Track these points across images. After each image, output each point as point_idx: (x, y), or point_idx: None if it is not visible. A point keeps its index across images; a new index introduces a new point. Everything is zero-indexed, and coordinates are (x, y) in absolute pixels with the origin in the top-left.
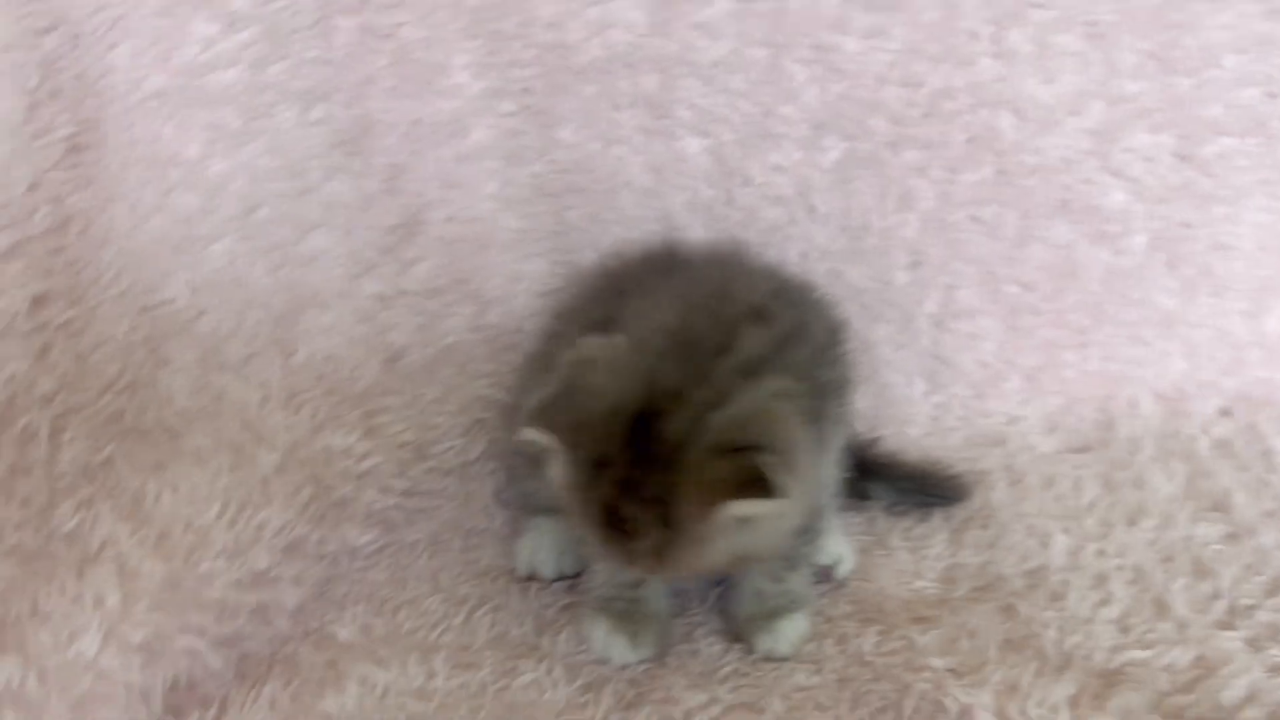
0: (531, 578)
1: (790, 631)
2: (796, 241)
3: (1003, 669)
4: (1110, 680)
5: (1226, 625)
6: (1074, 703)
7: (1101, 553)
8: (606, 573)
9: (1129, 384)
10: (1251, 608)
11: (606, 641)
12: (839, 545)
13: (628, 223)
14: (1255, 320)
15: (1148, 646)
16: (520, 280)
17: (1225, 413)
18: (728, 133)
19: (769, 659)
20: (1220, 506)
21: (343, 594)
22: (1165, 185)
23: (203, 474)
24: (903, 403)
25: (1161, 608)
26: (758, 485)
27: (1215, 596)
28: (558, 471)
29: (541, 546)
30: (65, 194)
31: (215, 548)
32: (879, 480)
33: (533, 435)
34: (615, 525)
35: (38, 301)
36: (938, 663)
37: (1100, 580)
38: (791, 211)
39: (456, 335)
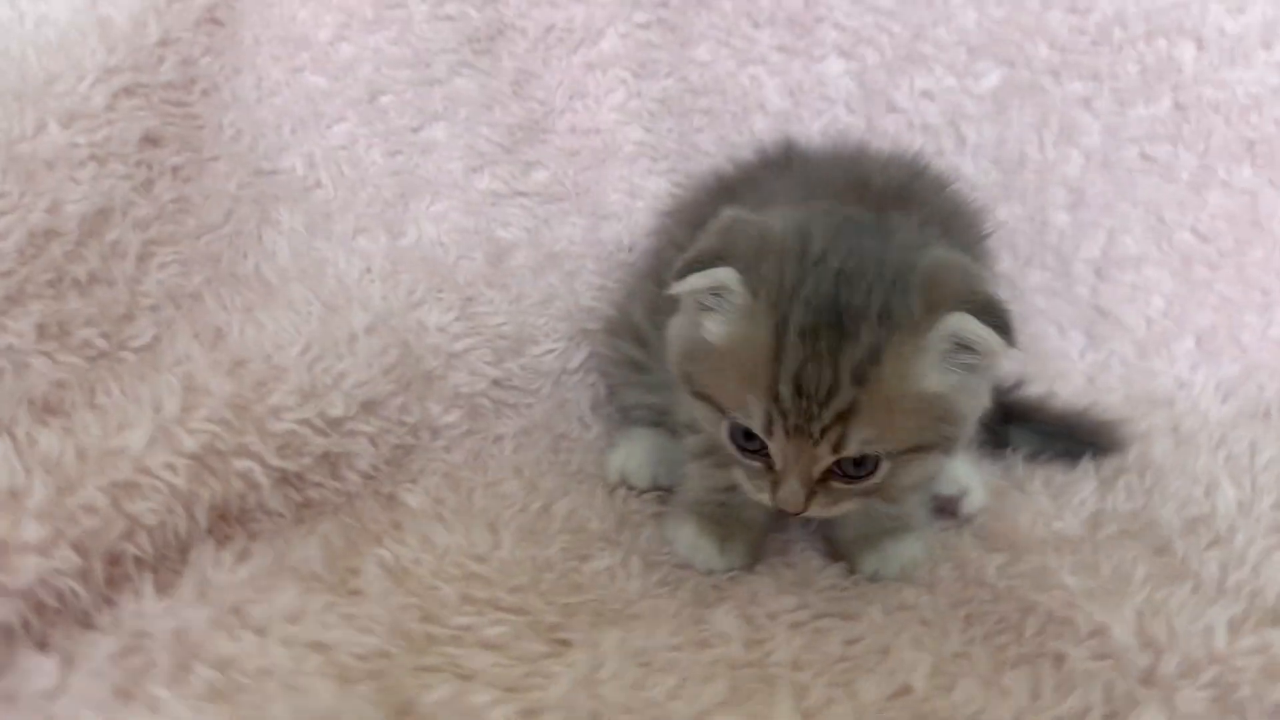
0: (623, 484)
1: (900, 553)
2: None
3: (1148, 590)
4: None
5: None
6: (1235, 624)
7: (1277, 505)
8: (701, 475)
9: None
10: None
11: (693, 545)
12: (967, 476)
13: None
14: None
15: None
16: (638, 197)
17: None
18: (873, 55)
19: (873, 580)
20: None
21: (419, 467)
22: None
23: (290, 319)
24: (1057, 357)
25: None
26: (987, 309)
27: None
28: (717, 330)
29: (636, 454)
30: (196, 56)
31: (290, 385)
32: (1022, 425)
33: (702, 278)
34: (799, 389)
35: (149, 139)
36: (1071, 581)
37: (1274, 529)
38: (939, 141)
39: (568, 243)
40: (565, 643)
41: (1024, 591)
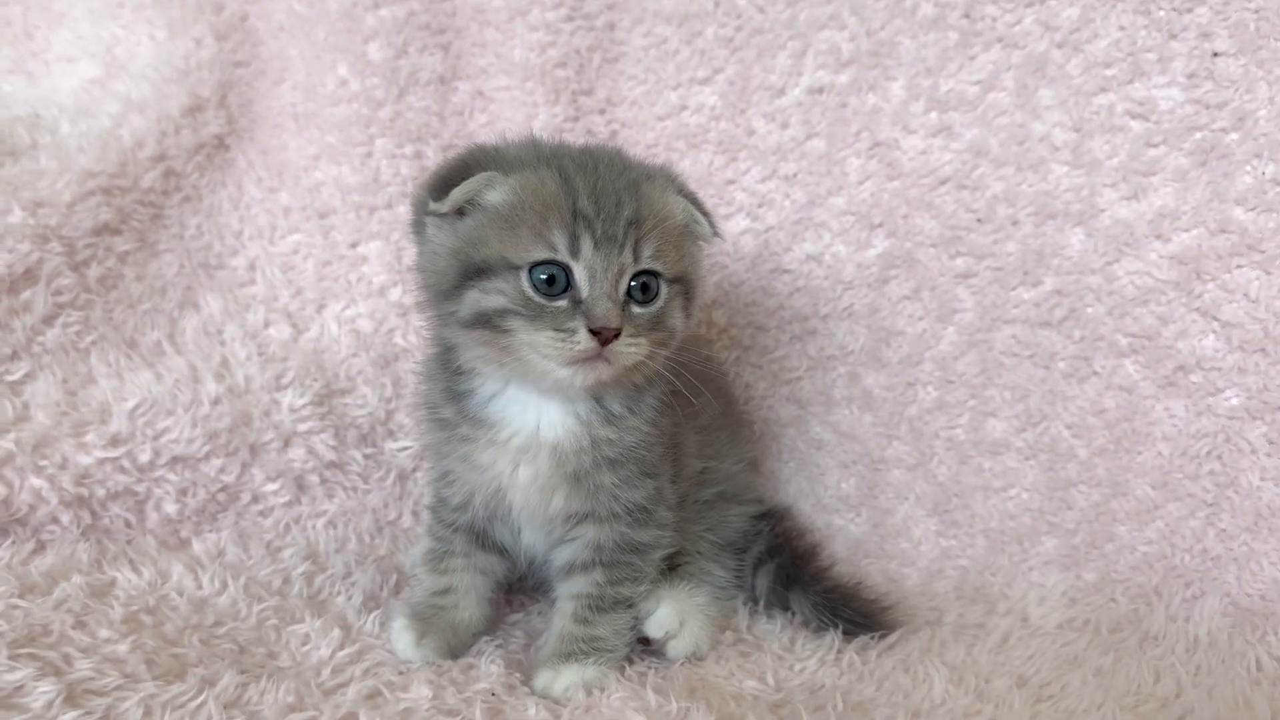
0: (412, 576)
1: (572, 675)
2: (820, 338)
3: None
4: None
5: None
6: None
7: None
8: (427, 578)
9: (1196, 581)
10: None
11: (396, 635)
12: (675, 621)
13: None
14: None
15: None
16: None
17: None
18: (773, 216)
19: (540, 695)
20: None
21: (229, 523)
22: (1271, 336)
23: (149, 382)
24: (900, 536)
25: None
26: (698, 202)
27: None
28: (496, 197)
29: (420, 551)
30: (187, 171)
31: (109, 429)
32: (798, 590)
33: (468, 185)
34: (596, 203)
35: (106, 228)
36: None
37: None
38: (817, 305)
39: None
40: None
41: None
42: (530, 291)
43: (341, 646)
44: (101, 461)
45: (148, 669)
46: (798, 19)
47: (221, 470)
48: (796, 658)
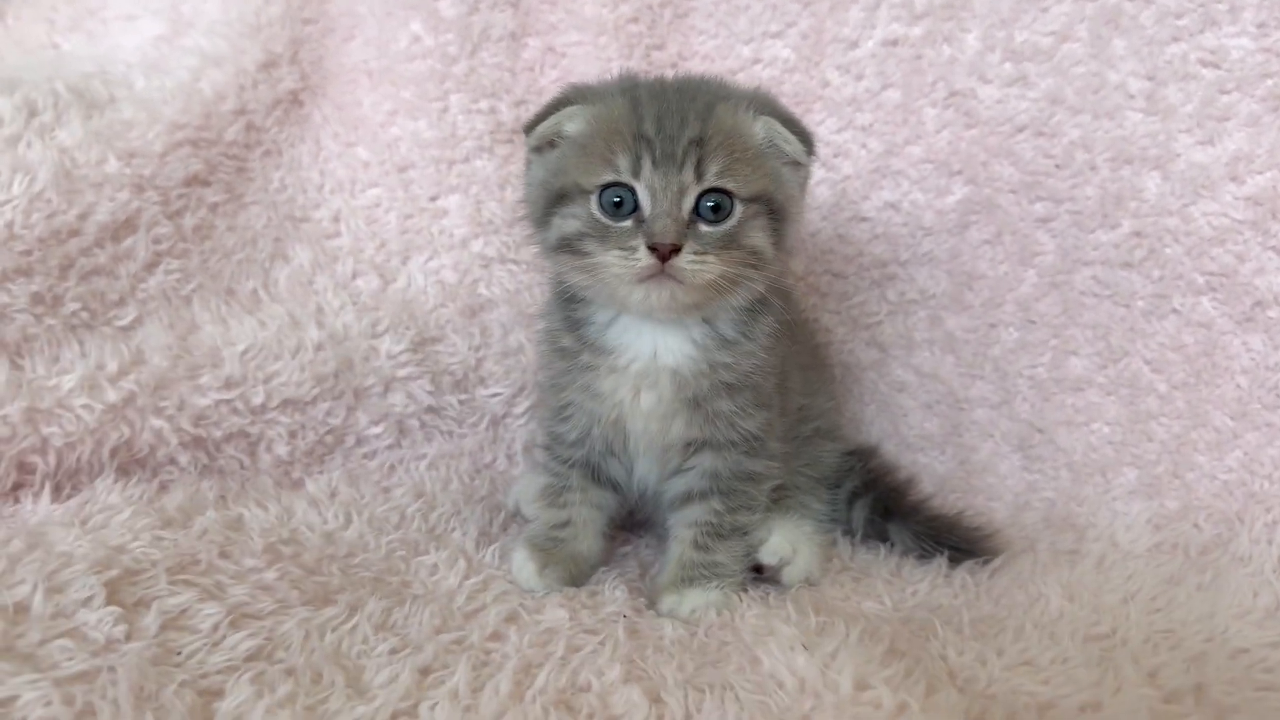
0: (518, 514)
1: (696, 598)
2: (898, 281)
3: (853, 651)
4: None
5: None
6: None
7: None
8: (544, 513)
9: (1272, 504)
10: None
11: (519, 565)
12: (789, 548)
13: None
14: None
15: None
16: None
17: None
18: (849, 166)
19: (665, 616)
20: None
21: (336, 464)
22: None
23: (252, 328)
24: (986, 472)
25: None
26: (790, 121)
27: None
28: (574, 126)
29: (530, 489)
30: (267, 125)
31: (221, 373)
32: (898, 521)
33: (553, 119)
34: (659, 125)
35: (195, 179)
36: (788, 631)
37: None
38: (896, 250)
39: (538, 307)
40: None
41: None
42: (599, 213)
43: (467, 576)
44: (217, 403)
45: (298, 595)
46: None
47: (329, 413)
48: (906, 581)
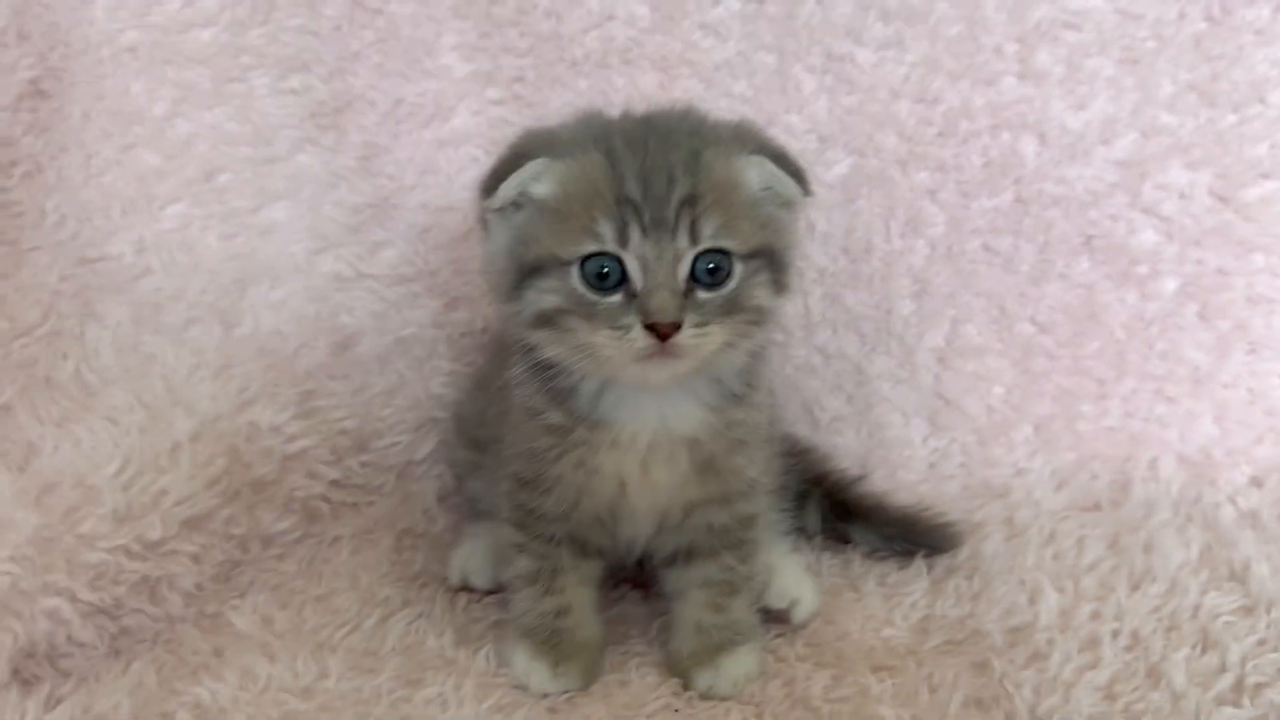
0: (465, 588)
1: (733, 668)
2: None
3: None
4: None
5: (1229, 701)
6: None
7: (1096, 615)
8: (531, 600)
9: (1150, 444)
10: (1261, 686)
11: (527, 669)
12: (795, 585)
13: None
14: None
15: (1133, 715)
16: None
17: (1256, 483)
18: None
19: (707, 697)
20: (1237, 577)
21: (249, 580)
22: (1200, 227)
23: (108, 432)
24: (899, 444)
25: (1156, 677)
26: (782, 159)
27: (1221, 670)
28: (544, 189)
29: (477, 553)
30: (16, 135)
31: (104, 509)
32: (860, 523)
33: (516, 178)
34: (644, 185)
35: None
36: (889, 713)
37: (1091, 643)
38: None
39: (417, 328)
40: None
41: (844, 718)
42: (581, 288)
43: (479, 699)
44: (116, 550)
45: None
46: None
47: (229, 523)
48: (894, 590)
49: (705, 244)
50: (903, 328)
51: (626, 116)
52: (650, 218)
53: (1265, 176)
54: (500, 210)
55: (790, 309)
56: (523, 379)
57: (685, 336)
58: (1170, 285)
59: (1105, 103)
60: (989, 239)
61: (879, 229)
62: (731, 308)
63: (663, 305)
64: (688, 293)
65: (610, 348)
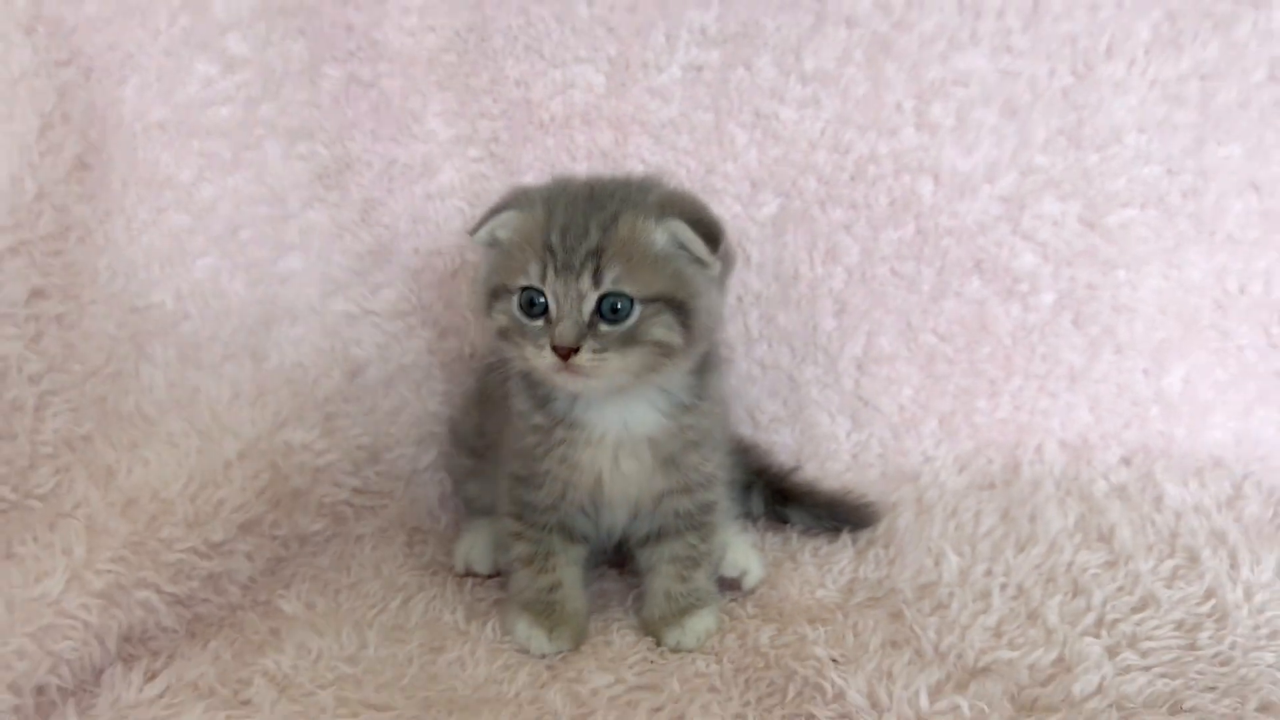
0: (468, 574)
1: (697, 626)
2: (733, 287)
3: (878, 659)
4: (974, 673)
5: (1091, 633)
6: (936, 688)
7: (989, 572)
8: (528, 579)
9: (1036, 432)
10: (1117, 621)
11: (527, 635)
12: (745, 558)
13: None
14: (1155, 378)
15: (1015, 648)
16: None
17: (1125, 461)
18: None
19: (676, 651)
20: (1105, 538)
21: (291, 573)
22: (1071, 249)
23: (172, 454)
24: (827, 439)
25: (1035, 618)
26: (700, 224)
27: (1086, 610)
28: (505, 234)
29: (477, 544)
30: (69, 204)
31: (177, 517)
32: (795, 506)
33: (493, 222)
34: (564, 238)
35: (35, 293)
36: (821, 652)
37: (983, 594)
38: None
39: (415, 355)
40: None
41: (787, 660)
42: (518, 313)
43: (491, 660)
44: (188, 550)
45: None
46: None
47: (274, 525)
48: (825, 560)
49: (606, 287)
50: (826, 341)
51: (584, 182)
52: (561, 262)
53: (1124, 205)
54: (484, 247)
55: (732, 329)
56: (516, 388)
57: (583, 359)
58: (1048, 299)
59: (989, 148)
60: (895, 265)
61: (804, 258)
62: (630, 340)
63: (564, 332)
64: (591, 324)
65: (535, 360)
